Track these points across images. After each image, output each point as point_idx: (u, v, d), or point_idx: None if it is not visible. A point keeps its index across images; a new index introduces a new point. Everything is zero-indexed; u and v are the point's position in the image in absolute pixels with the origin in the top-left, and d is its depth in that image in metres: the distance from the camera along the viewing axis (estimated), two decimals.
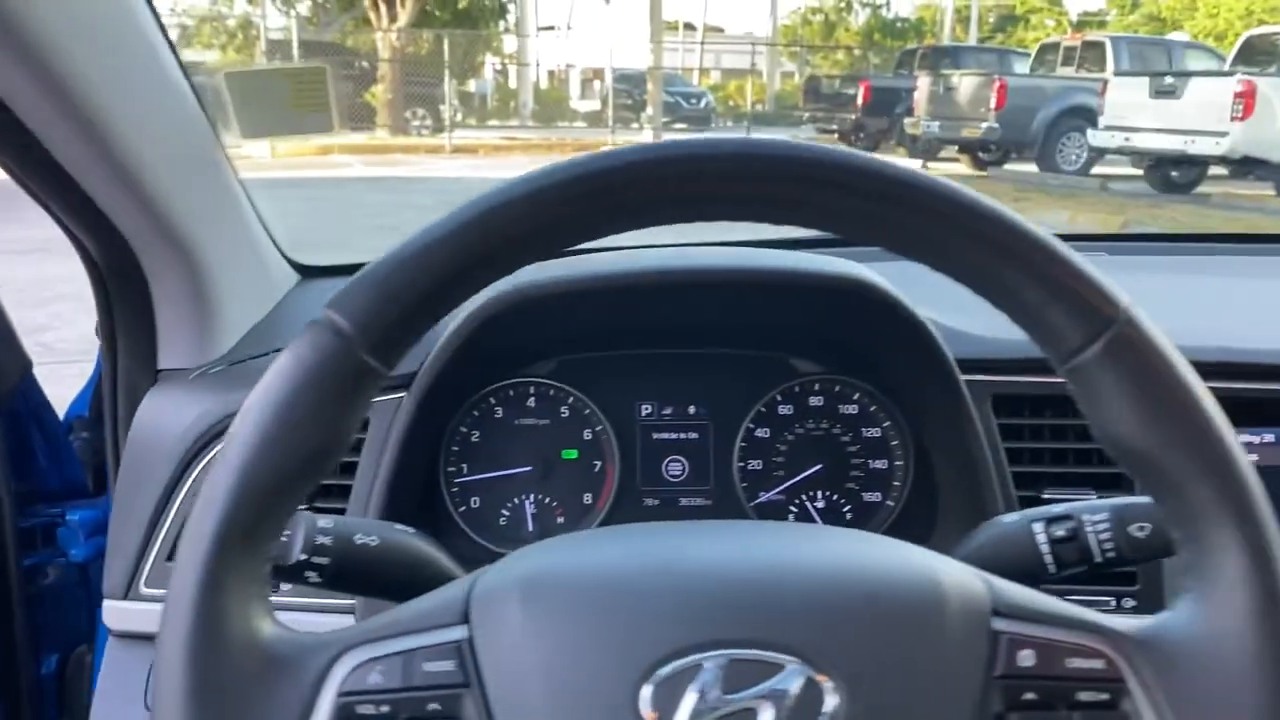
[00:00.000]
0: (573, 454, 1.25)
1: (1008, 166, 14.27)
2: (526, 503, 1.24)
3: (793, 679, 0.60)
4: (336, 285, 1.58)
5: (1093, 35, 16.92)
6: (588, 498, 1.25)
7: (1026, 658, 0.63)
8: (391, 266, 0.61)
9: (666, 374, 1.28)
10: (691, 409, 1.27)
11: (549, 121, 22.07)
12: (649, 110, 19.92)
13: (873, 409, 1.26)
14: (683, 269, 1.08)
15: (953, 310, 1.23)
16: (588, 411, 1.25)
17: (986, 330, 1.21)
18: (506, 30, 23.20)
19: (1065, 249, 0.62)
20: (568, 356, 1.27)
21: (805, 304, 1.15)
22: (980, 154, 14.45)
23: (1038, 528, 0.86)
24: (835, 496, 1.25)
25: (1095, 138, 12.59)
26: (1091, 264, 0.63)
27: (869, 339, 1.19)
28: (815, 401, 1.26)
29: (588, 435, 1.26)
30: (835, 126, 17.60)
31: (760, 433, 1.26)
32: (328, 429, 0.61)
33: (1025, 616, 0.65)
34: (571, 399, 1.25)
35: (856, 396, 1.26)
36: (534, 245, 0.60)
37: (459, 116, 19.20)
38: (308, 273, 1.62)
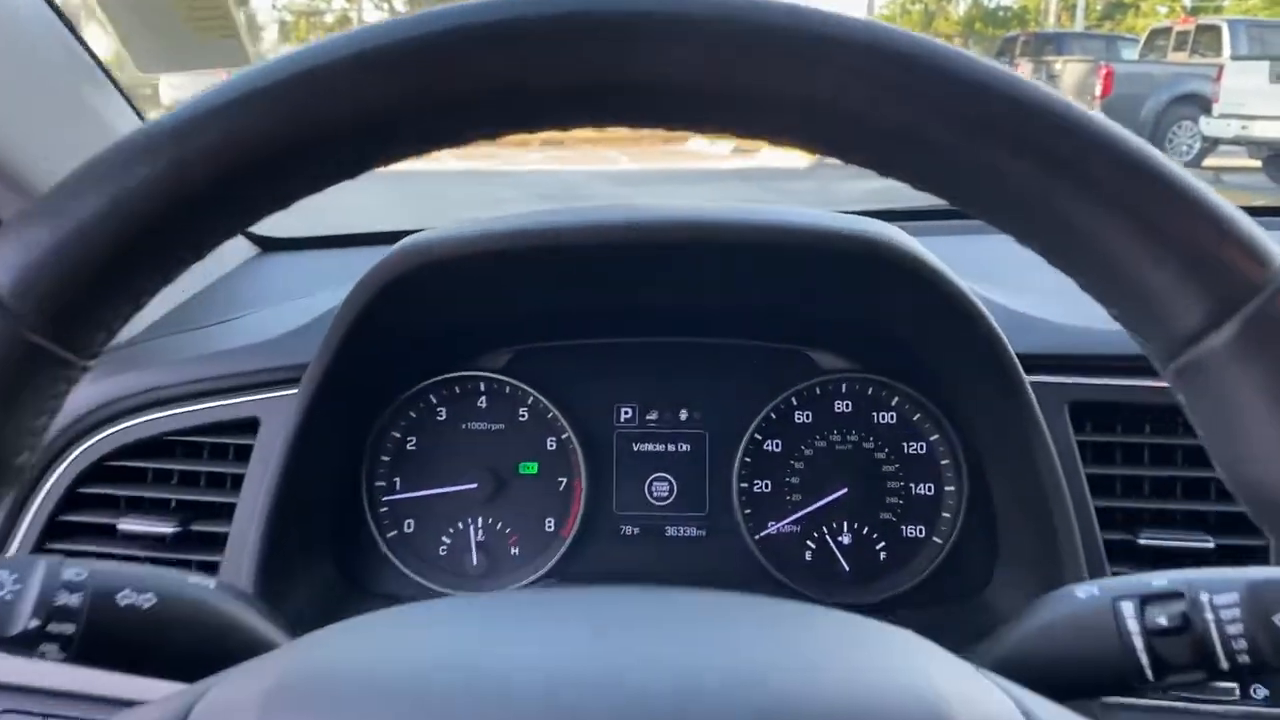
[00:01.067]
0: (532, 468, 1.00)
1: None
2: (472, 528, 0.99)
3: None
4: (299, 258, 1.31)
5: (1207, 18, 16.06)
6: (549, 523, 1.00)
7: None
8: (59, 205, 0.36)
9: (652, 369, 1.01)
10: (683, 414, 1.01)
11: None
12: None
13: (916, 417, 0.97)
14: (630, 223, 0.81)
15: (1016, 287, 0.94)
16: (551, 415, 0.99)
17: (1064, 314, 0.92)
18: None
19: (1201, 187, 0.36)
20: (527, 345, 1.01)
21: (819, 277, 0.88)
22: None
23: (1127, 610, 0.56)
24: (866, 530, 0.97)
25: (1209, 126, 11.91)
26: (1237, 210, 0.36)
27: (907, 325, 0.91)
28: (841, 407, 0.99)
29: (551, 444, 1.00)
30: None
31: (769, 445, 0.98)
32: None
33: None
34: (531, 399, 1.00)
35: (895, 401, 0.98)
36: (271, 171, 0.38)
37: None
38: (269, 245, 1.41)
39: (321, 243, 1.46)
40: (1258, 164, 12.43)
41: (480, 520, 1.00)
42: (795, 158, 11.48)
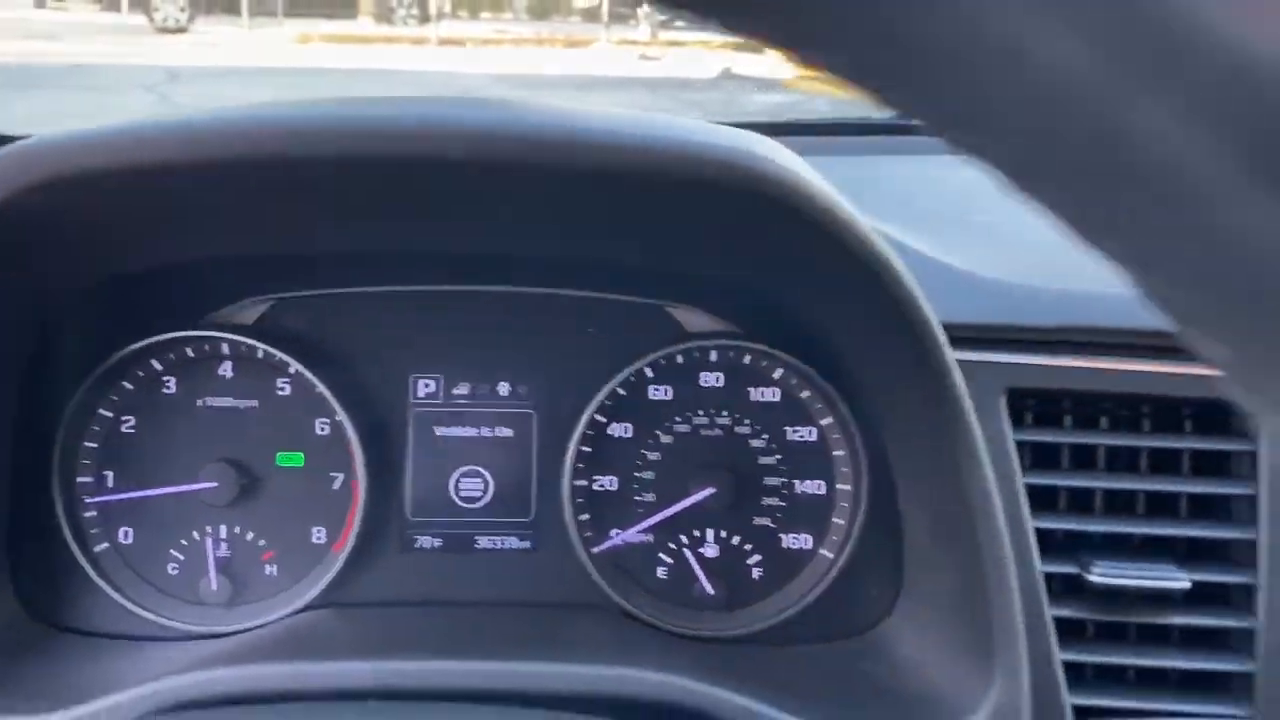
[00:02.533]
0: (294, 460, 0.75)
1: None
2: (210, 540, 0.74)
3: None
4: None
5: None
6: (318, 534, 0.75)
7: None
8: None
9: (461, 327, 0.76)
10: (503, 387, 0.77)
11: (543, 15, 21.10)
12: (646, 5, 18.99)
13: (804, 395, 0.75)
14: (417, 126, 0.54)
15: (950, 229, 0.71)
16: (318, 389, 0.73)
17: (1009, 268, 0.69)
18: None
19: None
20: (287, 293, 0.75)
21: (679, 212, 0.62)
22: None
23: None
24: (737, 540, 0.75)
25: None
26: None
27: (793, 279, 0.66)
28: (710, 380, 0.76)
29: (320, 428, 0.76)
30: None
31: (616, 430, 0.75)
32: None
33: None
34: (292, 368, 0.74)
35: (779, 375, 0.75)
36: None
37: (448, 7, 18.36)
38: None
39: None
40: None
41: (223, 530, 0.75)
42: (702, 67, 11.08)
